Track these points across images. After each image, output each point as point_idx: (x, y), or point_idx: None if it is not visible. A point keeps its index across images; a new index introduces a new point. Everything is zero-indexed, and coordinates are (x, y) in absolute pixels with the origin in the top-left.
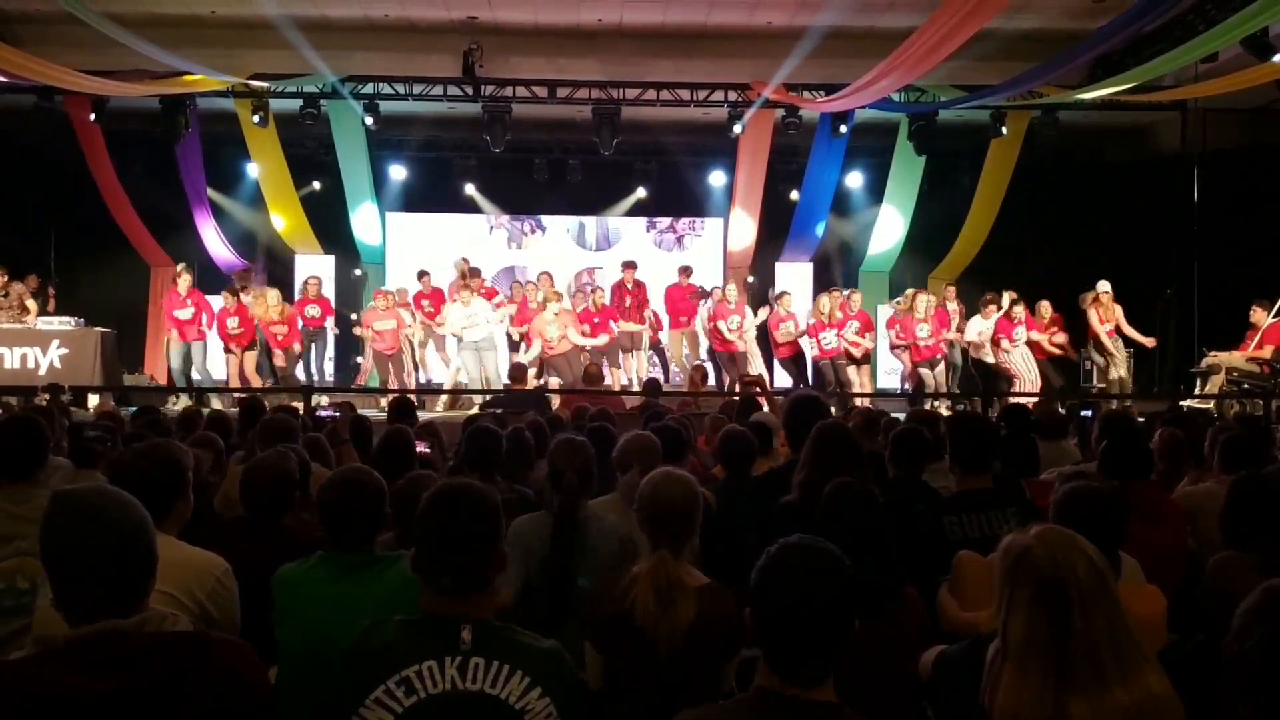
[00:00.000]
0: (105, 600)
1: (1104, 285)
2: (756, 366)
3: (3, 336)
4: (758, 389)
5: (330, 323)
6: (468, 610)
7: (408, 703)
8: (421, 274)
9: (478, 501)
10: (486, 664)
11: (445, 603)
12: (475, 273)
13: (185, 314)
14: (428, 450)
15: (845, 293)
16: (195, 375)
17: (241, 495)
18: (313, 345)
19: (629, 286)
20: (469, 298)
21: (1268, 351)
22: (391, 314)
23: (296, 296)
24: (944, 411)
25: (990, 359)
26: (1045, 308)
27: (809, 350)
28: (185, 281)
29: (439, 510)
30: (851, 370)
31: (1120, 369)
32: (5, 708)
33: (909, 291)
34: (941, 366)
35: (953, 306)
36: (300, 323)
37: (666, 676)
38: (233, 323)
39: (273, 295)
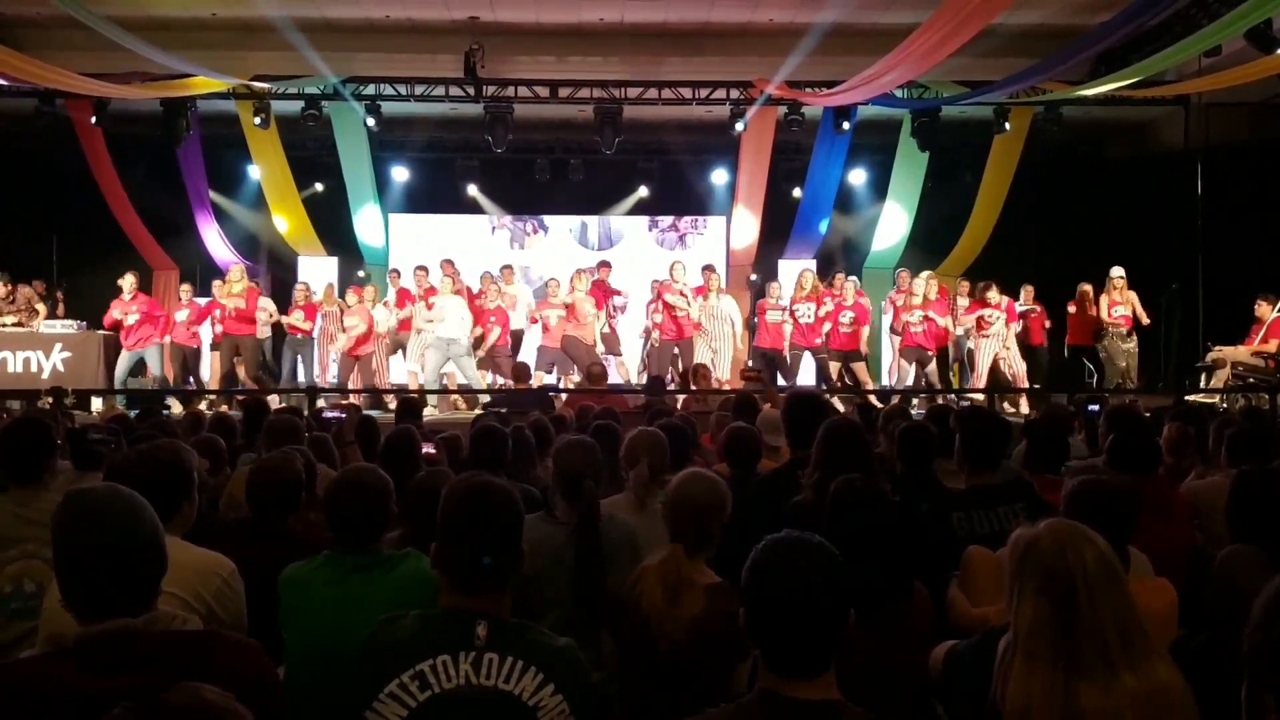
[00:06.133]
0: (114, 599)
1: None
2: (701, 356)
3: (6, 340)
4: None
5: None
6: (485, 607)
7: (422, 697)
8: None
9: (502, 499)
10: (501, 660)
11: (464, 599)
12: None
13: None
14: (433, 451)
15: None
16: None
17: (247, 496)
18: (298, 355)
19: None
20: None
21: (1273, 345)
22: (358, 312)
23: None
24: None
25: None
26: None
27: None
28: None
29: (464, 507)
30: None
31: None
32: (16, 706)
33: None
34: (933, 365)
35: (963, 302)
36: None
37: (672, 673)
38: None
39: (234, 270)
